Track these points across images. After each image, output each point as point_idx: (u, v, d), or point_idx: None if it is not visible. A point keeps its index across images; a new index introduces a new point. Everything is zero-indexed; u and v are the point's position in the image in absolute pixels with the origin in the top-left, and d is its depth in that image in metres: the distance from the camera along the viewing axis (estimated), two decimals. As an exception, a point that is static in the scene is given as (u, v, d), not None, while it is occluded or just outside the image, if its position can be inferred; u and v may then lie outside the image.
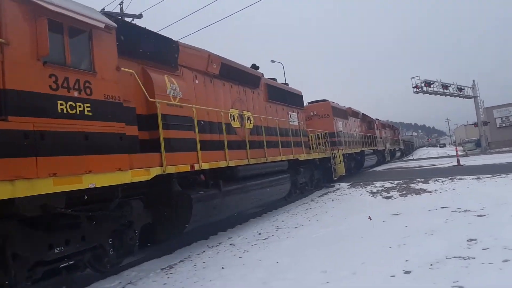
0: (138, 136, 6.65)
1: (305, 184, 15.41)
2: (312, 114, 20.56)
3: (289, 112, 14.67)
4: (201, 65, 9.29)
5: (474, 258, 5.07)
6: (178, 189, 7.49)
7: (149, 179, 6.36)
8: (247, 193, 9.85)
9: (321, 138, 17.45)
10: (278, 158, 11.94)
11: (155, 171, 6.52)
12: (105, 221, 6.01)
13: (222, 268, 6.34)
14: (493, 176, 13.91)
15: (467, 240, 5.94)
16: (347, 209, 11.32)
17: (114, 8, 20.88)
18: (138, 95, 6.82)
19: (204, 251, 7.77)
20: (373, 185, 15.95)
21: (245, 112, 10.98)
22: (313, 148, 16.64)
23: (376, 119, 34.68)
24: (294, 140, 13.95)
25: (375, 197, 13.24)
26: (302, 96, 16.67)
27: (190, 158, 7.63)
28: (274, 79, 14.65)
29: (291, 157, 12.87)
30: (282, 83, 15.42)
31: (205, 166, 8.06)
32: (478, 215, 7.85)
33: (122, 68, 6.25)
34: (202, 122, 8.58)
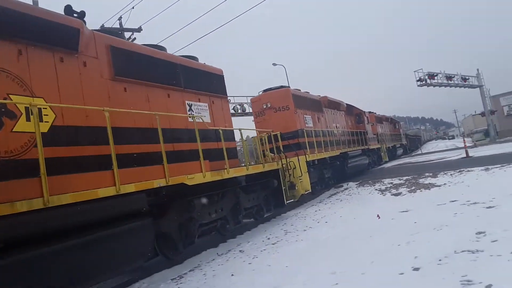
0: None
1: (217, 226, 9.06)
2: (264, 107, 15.20)
3: (189, 102, 9.20)
4: None
5: (482, 251, 5.03)
6: None
7: None
8: None
9: (266, 143, 11.85)
10: (103, 193, 5.50)
11: None
12: None
13: (232, 275, 6.36)
14: (502, 166, 13.77)
15: (476, 233, 5.90)
16: (355, 209, 11.30)
17: (113, 23, 21.12)
18: None
19: (213, 259, 7.81)
20: (382, 183, 15.87)
21: (16, 98, 5.32)
22: (258, 158, 11.80)
23: (370, 112, 29.54)
24: (190, 149, 8.31)
25: (384, 195, 13.19)
26: (222, 76, 10.98)
27: None
28: (161, 48, 9.15)
29: (162, 183, 6.59)
30: (185, 56, 10.04)
31: None
32: (487, 207, 7.80)
33: None
34: None
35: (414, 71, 38.12)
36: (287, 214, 12.58)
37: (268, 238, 9.01)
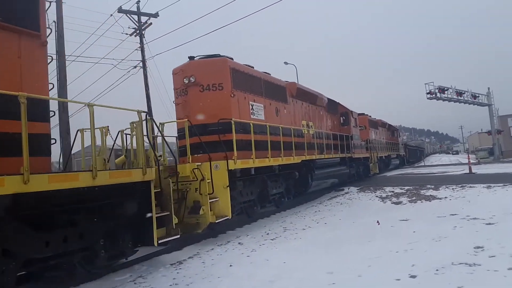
0: None
1: None
2: (186, 81, 10.18)
3: None
4: None
5: (480, 265, 5.13)
6: None
7: None
8: None
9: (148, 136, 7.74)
10: None
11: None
12: None
13: (230, 265, 6.47)
14: (504, 185, 13.79)
15: (474, 248, 6.00)
16: (355, 213, 11.38)
17: (131, 6, 21.26)
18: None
19: (212, 249, 7.93)
20: (383, 190, 15.93)
21: None
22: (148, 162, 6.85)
23: (361, 113, 25.13)
24: None
25: (385, 202, 13.25)
26: None
27: None
28: None
29: None
30: None
31: None
32: (487, 223, 7.88)
33: None
34: None
35: (425, 84, 37.91)
36: (286, 211, 12.18)
37: (267, 233, 9.11)
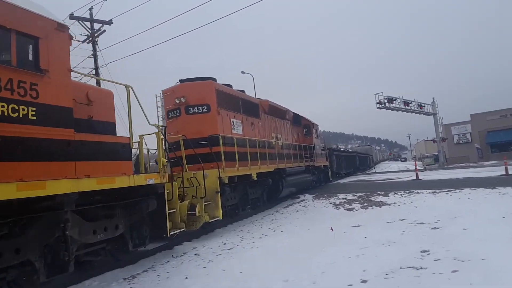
0: None
1: None
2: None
3: None
4: None
5: (426, 269, 5.40)
6: None
7: None
8: None
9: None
10: None
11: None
12: None
13: (186, 278, 6.38)
14: (449, 191, 14.63)
15: (421, 252, 6.31)
16: (310, 220, 11.61)
17: (84, 13, 20.65)
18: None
19: (168, 261, 7.77)
20: (337, 197, 16.37)
21: None
22: None
23: (207, 78, 11.78)
24: None
25: (338, 209, 13.61)
26: None
27: None
28: None
29: None
30: None
31: None
32: (432, 228, 8.32)
33: None
34: None
35: (375, 94, 39.50)
36: (243, 221, 12.41)
37: (224, 244, 9.07)
